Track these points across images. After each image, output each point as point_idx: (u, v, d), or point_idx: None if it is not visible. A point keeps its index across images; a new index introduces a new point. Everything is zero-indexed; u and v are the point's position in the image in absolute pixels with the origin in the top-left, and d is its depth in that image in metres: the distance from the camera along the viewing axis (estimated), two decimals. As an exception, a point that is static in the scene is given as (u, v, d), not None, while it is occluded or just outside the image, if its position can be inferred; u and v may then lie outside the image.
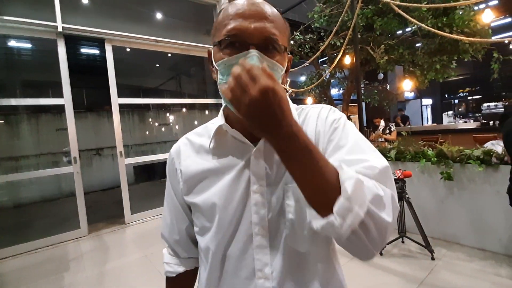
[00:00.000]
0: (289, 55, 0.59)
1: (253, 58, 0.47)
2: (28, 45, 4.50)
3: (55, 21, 3.36)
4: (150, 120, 8.05)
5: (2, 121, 5.30)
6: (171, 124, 8.08)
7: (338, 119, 0.57)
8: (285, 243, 0.54)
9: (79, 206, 3.59)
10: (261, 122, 0.40)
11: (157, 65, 7.15)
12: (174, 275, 0.69)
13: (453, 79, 6.78)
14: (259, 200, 0.54)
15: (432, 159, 2.79)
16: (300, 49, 6.11)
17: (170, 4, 4.86)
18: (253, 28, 0.50)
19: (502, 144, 2.84)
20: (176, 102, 4.81)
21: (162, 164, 4.55)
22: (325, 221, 0.41)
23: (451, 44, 4.58)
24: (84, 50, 6.32)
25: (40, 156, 5.62)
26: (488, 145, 3.01)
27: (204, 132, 0.65)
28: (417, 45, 5.32)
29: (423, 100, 12.51)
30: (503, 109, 8.99)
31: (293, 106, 0.60)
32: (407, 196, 2.58)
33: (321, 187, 0.42)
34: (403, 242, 2.79)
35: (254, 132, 0.43)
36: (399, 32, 5.41)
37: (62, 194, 5.50)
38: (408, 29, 5.20)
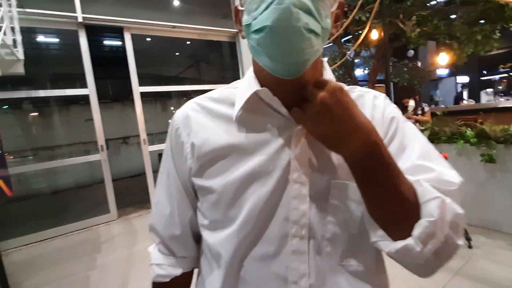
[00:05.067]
0: None
1: None
2: (53, 39, 4.65)
3: (75, 12, 3.41)
4: (172, 108, 8.18)
5: (37, 113, 5.63)
6: (193, 112, 8.13)
7: (397, 113, 0.49)
8: (326, 249, 0.44)
9: (108, 192, 3.77)
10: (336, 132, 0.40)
11: (177, 53, 7.15)
12: (167, 280, 0.54)
13: (493, 53, 6.05)
14: (301, 193, 0.43)
15: (472, 140, 2.54)
16: (321, 27, 5.76)
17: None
18: None
19: None
20: (196, 89, 4.83)
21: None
22: (402, 244, 0.37)
23: (496, 10, 4.05)
24: (106, 42, 6.45)
25: (72, 146, 5.95)
26: None
27: (224, 98, 0.51)
28: (452, 16, 4.79)
29: (457, 77, 11.50)
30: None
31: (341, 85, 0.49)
32: (441, 180, 2.38)
33: (398, 208, 0.38)
34: (435, 229, 2.61)
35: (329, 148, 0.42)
36: (433, 2, 4.90)
37: (94, 181, 5.81)
38: (443, -2, 4.70)
